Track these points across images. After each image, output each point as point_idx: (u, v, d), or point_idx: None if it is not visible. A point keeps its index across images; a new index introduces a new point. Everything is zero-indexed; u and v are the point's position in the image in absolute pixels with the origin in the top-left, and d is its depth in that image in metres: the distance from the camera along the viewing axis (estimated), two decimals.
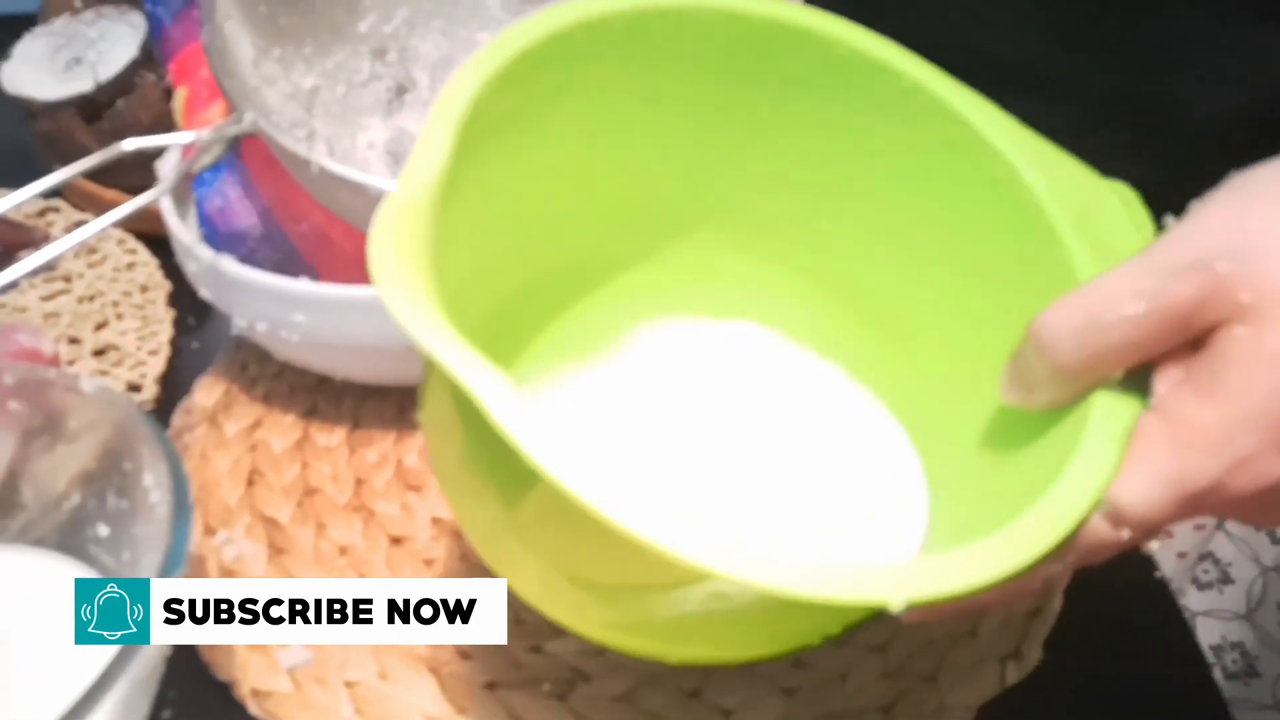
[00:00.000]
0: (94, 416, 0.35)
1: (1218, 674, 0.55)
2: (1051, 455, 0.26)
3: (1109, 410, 0.26)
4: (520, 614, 0.37)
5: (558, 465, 0.22)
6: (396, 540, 0.41)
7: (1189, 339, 0.25)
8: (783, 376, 0.37)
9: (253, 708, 0.36)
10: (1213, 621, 0.53)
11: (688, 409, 0.36)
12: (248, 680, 0.36)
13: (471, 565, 0.40)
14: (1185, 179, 0.29)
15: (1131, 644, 0.39)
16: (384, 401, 0.47)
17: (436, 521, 0.42)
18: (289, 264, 0.45)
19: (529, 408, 0.23)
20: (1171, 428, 0.25)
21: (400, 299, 0.24)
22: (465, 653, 0.37)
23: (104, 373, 0.49)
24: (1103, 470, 0.25)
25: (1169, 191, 0.30)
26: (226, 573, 0.39)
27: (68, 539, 0.36)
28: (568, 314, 0.37)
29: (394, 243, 0.25)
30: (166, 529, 0.31)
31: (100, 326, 0.52)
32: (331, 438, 0.46)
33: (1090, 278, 0.27)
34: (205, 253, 0.42)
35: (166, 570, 0.30)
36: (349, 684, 0.36)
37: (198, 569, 0.39)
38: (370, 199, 0.40)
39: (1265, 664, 0.52)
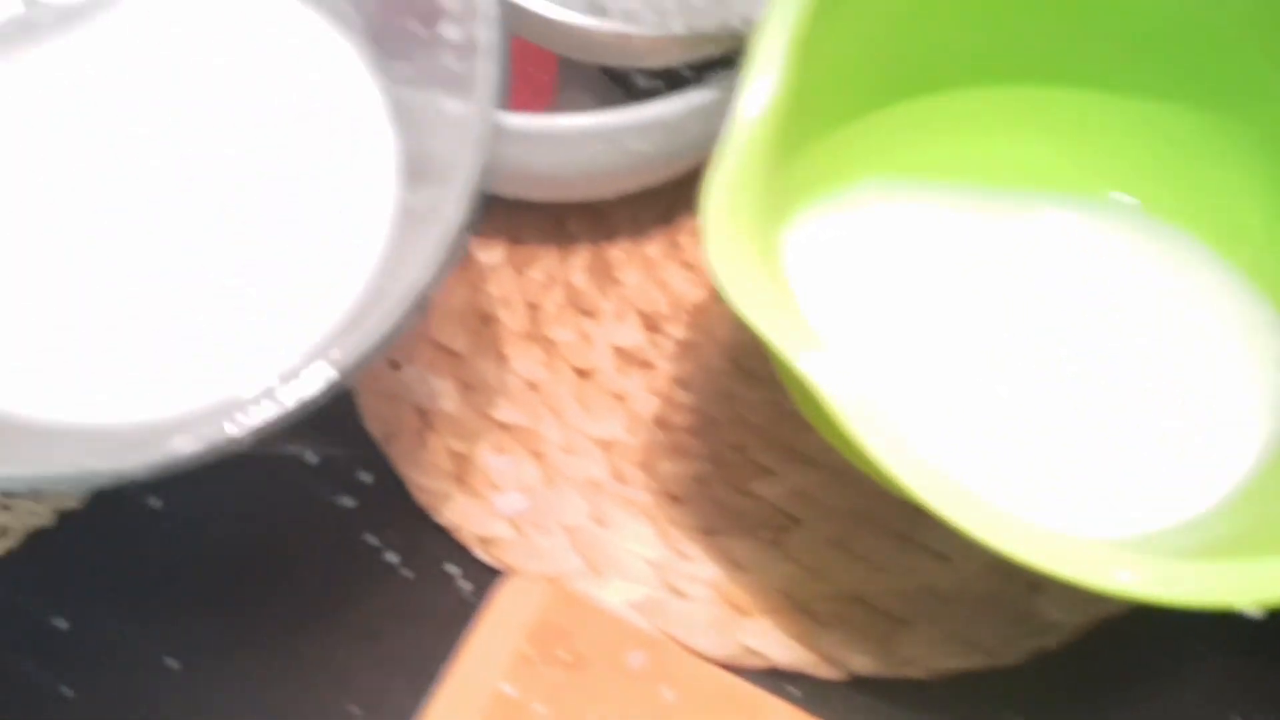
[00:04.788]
0: None
1: None
2: None
3: None
4: (722, 455, 0.38)
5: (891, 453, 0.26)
6: (582, 373, 0.41)
7: None
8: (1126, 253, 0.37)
9: (479, 552, 0.37)
10: None
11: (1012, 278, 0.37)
12: (469, 526, 0.38)
13: (664, 401, 0.40)
14: None
15: None
16: (541, 212, 0.45)
17: (619, 351, 0.41)
18: None
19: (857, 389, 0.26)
20: None
21: (743, 298, 0.26)
22: (676, 496, 0.38)
23: None
24: None
25: None
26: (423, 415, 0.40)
27: None
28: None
29: (728, 227, 0.25)
30: None
31: None
32: (491, 255, 0.44)
33: None
34: None
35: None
36: (568, 529, 0.38)
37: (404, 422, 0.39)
38: (555, 28, 0.35)
39: None
